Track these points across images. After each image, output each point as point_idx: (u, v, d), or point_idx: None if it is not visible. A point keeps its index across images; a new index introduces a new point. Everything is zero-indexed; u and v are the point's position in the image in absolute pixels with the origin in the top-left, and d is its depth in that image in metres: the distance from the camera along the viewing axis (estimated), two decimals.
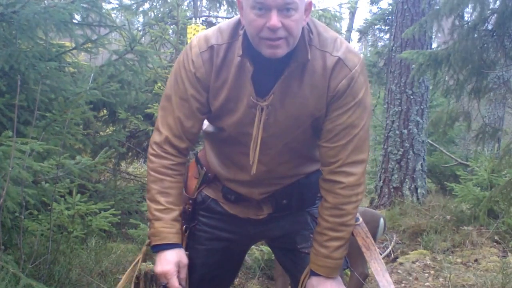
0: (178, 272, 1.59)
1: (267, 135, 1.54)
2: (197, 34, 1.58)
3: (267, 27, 1.37)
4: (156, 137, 1.60)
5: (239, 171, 1.65)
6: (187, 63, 1.52)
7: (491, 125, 6.02)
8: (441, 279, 4.00)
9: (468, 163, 7.24)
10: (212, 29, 1.55)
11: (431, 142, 8.30)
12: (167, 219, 1.58)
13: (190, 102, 1.54)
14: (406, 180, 6.89)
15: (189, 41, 2.54)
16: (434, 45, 7.87)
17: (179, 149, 1.59)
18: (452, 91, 4.44)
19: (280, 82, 1.48)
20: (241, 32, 1.47)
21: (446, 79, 4.59)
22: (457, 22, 4.21)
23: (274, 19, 1.35)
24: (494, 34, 4.04)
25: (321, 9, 7.60)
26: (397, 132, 7.01)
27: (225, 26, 1.53)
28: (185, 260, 1.61)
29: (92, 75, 3.39)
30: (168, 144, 1.58)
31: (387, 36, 11.04)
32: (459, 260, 4.53)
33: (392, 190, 6.92)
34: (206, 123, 1.74)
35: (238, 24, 1.50)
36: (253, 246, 3.55)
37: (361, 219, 1.68)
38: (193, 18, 5.15)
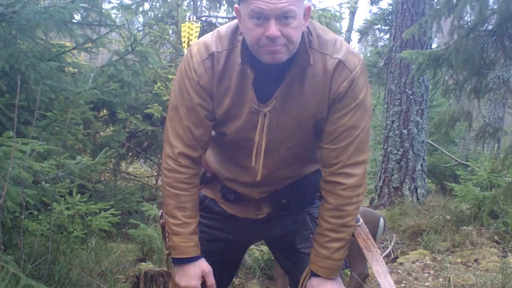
0: (205, 281, 1.62)
1: (270, 140, 1.54)
2: (197, 41, 1.57)
3: (265, 36, 1.36)
4: (168, 151, 1.59)
5: (242, 172, 1.64)
6: (189, 72, 1.52)
7: (492, 124, 6.02)
8: (441, 279, 4.00)
9: (468, 163, 7.24)
10: (211, 35, 1.54)
11: (431, 142, 8.30)
12: (185, 233, 1.59)
13: (197, 111, 1.53)
14: (406, 180, 6.89)
15: (183, 39, 2.53)
16: (434, 45, 7.87)
17: (193, 158, 1.59)
18: (452, 91, 4.44)
19: (281, 87, 1.48)
20: (240, 38, 1.46)
21: (446, 79, 4.60)
22: (456, 22, 4.21)
23: (273, 29, 1.35)
24: (494, 34, 4.05)
25: (320, 9, 7.59)
26: (397, 132, 7.01)
27: (224, 32, 1.52)
28: (207, 268, 1.63)
29: (92, 75, 3.39)
30: (181, 156, 1.57)
31: (387, 36, 11.03)
32: (459, 260, 4.53)
33: (392, 190, 6.92)
34: None
35: (236, 29, 1.49)
36: (253, 246, 3.56)
37: (361, 220, 1.68)
38: (187, 17, 5.12)
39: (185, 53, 1.60)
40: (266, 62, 1.42)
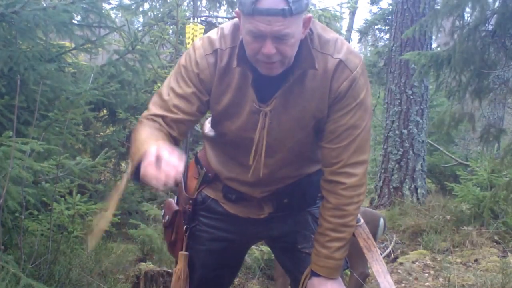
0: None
1: (271, 139, 1.54)
2: (201, 36, 1.57)
3: (262, 52, 1.37)
4: (144, 113, 1.53)
5: (243, 171, 1.64)
6: (189, 64, 1.51)
7: (494, 125, 6.02)
8: (441, 279, 4.00)
9: (468, 163, 7.24)
10: (215, 32, 1.54)
11: (431, 142, 8.29)
12: (149, 140, 1.39)
13: (191, 100, 1.51)
14: (406, 180, 6.89)
15: (187, 40, 2.54)
16: (434, 45, 7.86)
17: (170, 125, 1.50)
18: (455, 92, 4.44)
19: (283, 88, 1.48)
20: (241, 36, 1.46)
21: (449, 80, 4.59)
22: (457, 23, 4.21)
23: (269, 47, 1.36)
24: (495, 34, 4.05)
25: (321, 9, 7.59)
26: (397, 132, 7.01)
27: (227, 31, 1.52)
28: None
29: (92, 75, 3.39)
30: (157, 117, 1.50)
31: (387, 36, 11.03)
32: (459, 260, 4.53)
33: (392, 190, 6.92)
34: (207, 127, 1.73)
35: (238, 28, 1.49)
36: (253, 246, 3.55)
37: (362, 220, 1.68)
38: (191, 18, 5.13)
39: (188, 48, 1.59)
40: (263, 73, 1.43)
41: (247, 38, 1.39)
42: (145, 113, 1.55)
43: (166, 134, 1.49)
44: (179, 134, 1.53)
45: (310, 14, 1.43)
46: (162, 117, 1.50)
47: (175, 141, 1.52)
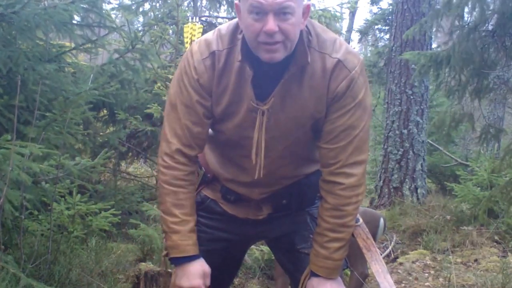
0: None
1: (268, 138, 1.54)
2: (198, 39, 1.57)
3: (264, 31, 1.37)
4: (165, 148, 1.58)
5: (240, 172, 1.64)
6: (189, 70, 1.52)
7: (494, 125, 6.02)
8: (441, 279, 4.00)
9: (468, 163, 7.24)
10: (212, 33, 1.54)
11: (431, 142, 8.30)
12: (184, 231, 1.57)
13: (196, 108, 1.53)
14: (406, 180, 6.89)
15: (186, 40, 2.53)
16: (433, 45, 7.86)
17: (190, 157, 1.58)
18: (455, 92, 4.44)
19: (280, 86, 1.48)
20: (239, 36, 1.47)
21: (448, 80, 4.59)
22: (457, 23, 4.21)
23: (271, 23, 1.35)
24: (495, 34, 4.04)
25: (321, 9, 7.58)
26: (397, 132, 7.01)
27: (225, 31, 1.52)
28: (207, 269, 1.61)
29: (92, 75, 3.38)
30: (178, 154, 1.56)
31: (387, 36, 11.02)
32: (459, 260, 4.53)
33: (392, 190, 6.92)
34: None
35: (237, 28, 1.50)
36: (253, 246, 3.56)
37: (361, 220, 1.68)
38: (190, 18, 5.11)
39: (186, 51, 1.59)
40: (264, 60, 1.42)
41: (248, 20, 1.39)
42: (166, 148, 1.58)
43: (190, 190, 1.60)
44: (199, 149, 1.60)
45: (309, 3, 1.43)
46: (184, 155, 1.57)
47: (197, 159, 1.63)
